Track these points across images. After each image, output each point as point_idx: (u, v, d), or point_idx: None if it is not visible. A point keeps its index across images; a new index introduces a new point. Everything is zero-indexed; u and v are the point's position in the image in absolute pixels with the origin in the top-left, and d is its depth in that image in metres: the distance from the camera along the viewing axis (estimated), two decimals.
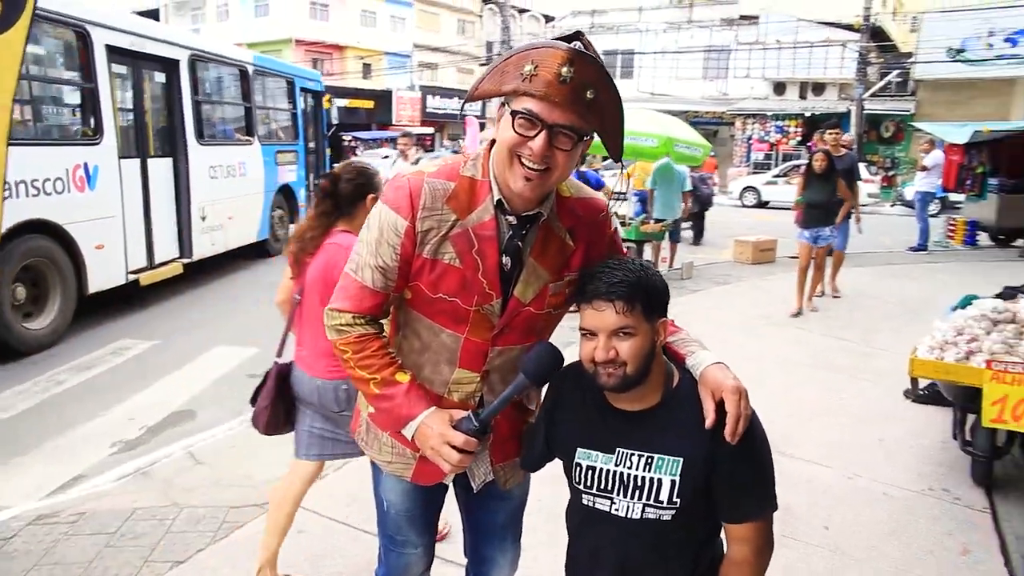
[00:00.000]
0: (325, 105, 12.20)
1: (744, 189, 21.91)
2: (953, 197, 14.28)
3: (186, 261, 8.03)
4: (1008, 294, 4.27)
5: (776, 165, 24.22)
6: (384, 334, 1.61)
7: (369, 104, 31.89)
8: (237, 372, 5.46)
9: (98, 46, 6.43)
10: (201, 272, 8.64)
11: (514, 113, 1.37)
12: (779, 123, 26.18)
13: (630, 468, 1.48)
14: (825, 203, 7.00)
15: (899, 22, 27.42)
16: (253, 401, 2.62)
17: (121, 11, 7.35)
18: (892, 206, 20.10)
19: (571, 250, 1.55)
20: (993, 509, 3.48)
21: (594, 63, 1.34)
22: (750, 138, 26.79)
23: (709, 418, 1.41)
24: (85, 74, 6.42)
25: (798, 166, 21.15)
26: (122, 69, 7.08)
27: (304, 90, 11.22)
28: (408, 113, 35.94)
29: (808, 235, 7.05)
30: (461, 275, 1.49)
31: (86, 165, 6.27)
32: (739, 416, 1.40)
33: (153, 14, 25.09)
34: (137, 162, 7.19)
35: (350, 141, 28.89)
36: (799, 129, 25.69)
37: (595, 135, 1.44)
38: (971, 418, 3.78)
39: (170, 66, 7.71)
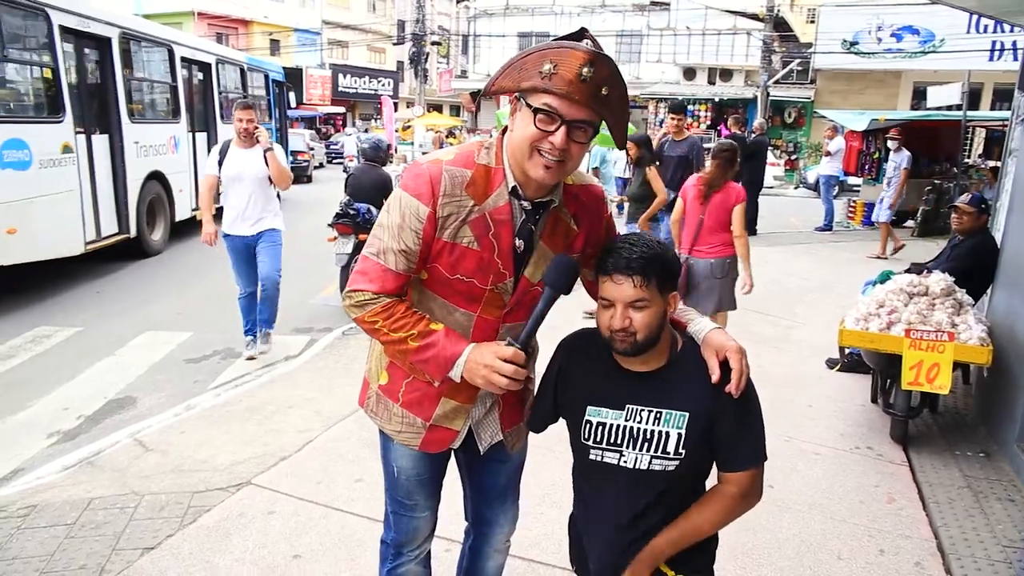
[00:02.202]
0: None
1: None
2: (851, 180, 15.26)
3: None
4: (916, 269, 4.67)
5: None
6: (405, 300, 1.66)
7: None
8: (174, 357, 5.30)
9: (177, 57, 9.88)
10: (113, 256, 8.26)
11: (535, 110, 1.45)
12: (690, 107, 27.07)
13: (640, 423, 1.60)
14: (637, 196, 6.16)
15: (797, 13, 28.80)
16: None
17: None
18: (796, 188, 21.20)
19: (575, 234, 1.66)
20: (910, 462, 3.86)
21: (609, 62, 1.44)
22: (662, 121, 27.55)
23: (715, 375, 1.55)
24: (172, 77, 9.80)
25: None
26: (185, 72, 10.26)
27: (274, 81, 14.35)
28: (319, 92, 34.91)
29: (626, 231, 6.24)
30: (478, 257, 1.57)
31: (174, 136, 9.70)
32: (742, 372, 1.55)
33: None
34: (191, 135, 10.33)
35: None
36: (708, 114, 26.67)
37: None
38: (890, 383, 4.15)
39: (206, 68, 11.06)
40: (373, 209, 6.33)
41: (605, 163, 9.50)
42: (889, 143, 10.34)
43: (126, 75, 8.37)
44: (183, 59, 9.99)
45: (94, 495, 3.14)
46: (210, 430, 3.95)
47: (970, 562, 2.96)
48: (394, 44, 38.58)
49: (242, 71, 12.58)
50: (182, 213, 9.95)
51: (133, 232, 8.42)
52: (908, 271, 4.64)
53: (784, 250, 10.05)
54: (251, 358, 5.21)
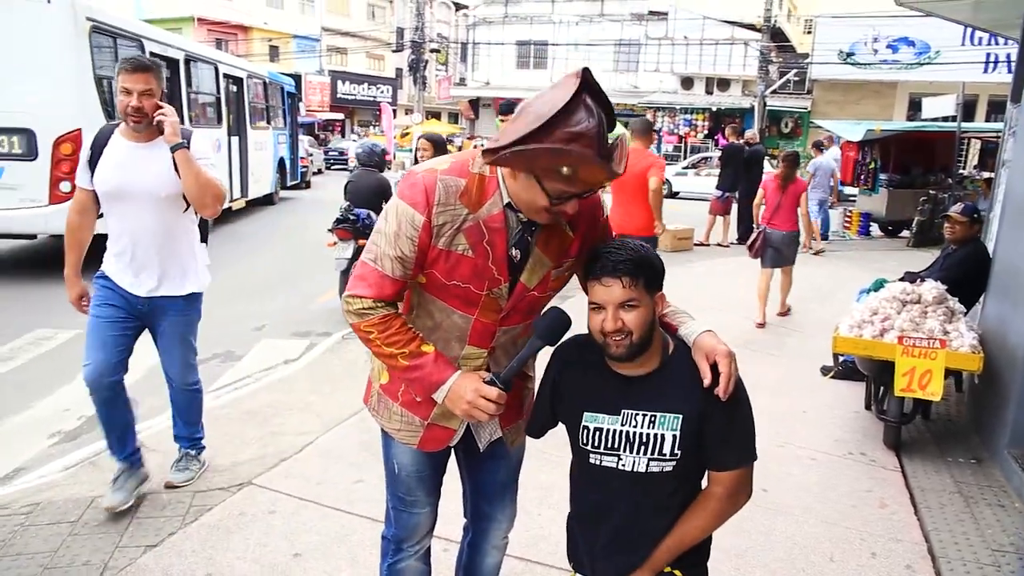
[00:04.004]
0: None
1: None
2: (848, 190, 15.35)
3: (246, 199, 12.91)
4: (910, 277, 4.73)
5: (685, 157, 25.20)
6: (402, 313, 1.71)
7: None
8: None
9: (220, 73, 11.63)
10: None
11: (550, 195, 1.49)
12: (687, 116, 27.24)
13: (635, 427, 1.64)
14: None
15: (794, 24, 29.02)
16: (750, 249, 6.78)
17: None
18: None
19: (571, 240, 1.70)
20: (902, 468, 3.91)
21: (606, 137, 1.44)
22: (660, 131, 27.71)
23: (707, 379, 1.59)
24: (216, 90, 11.54)
25: (706, 158, 22.18)
26: (224, 85, 11.94)
27: (288, 92, 16.15)
28: (318, 98, 35.06)
29: None
30: (473, 264, 1.62)
31: (218, 139, 11.08)
32: (730, 376, 1.58)
33: None
34: (228, 138, 11.85)
35: None
36: (706, 123, 26.84)
37: None
38: (883, 390, 4.21)
39: (239, 82, 12.75)
40: (372, 214, 6.38)
41: None
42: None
43: (188, 89, 10.20)
44: (224, 75, 11.80)
45: (96, 493, 3.16)
46: (210, 431, 3.93)
47: (959, 565, 3.00)
48: (393, 51, 38.70)
49: (264, 84, 14.49)
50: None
51: None
52: (902, 279, 4.71)
53: None
54: (110, 508, 2.98)
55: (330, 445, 3.83)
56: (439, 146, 6.04)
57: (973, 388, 4.65)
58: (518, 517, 2.09)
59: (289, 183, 16.25)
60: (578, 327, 1.70)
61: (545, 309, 1.70)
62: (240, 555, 2.79)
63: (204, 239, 3.34)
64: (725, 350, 1.58)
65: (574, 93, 1.39)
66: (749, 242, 6.89)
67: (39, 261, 8.53)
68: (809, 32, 26.10)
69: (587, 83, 1.42)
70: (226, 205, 11.60)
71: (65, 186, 7.33)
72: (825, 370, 5.28)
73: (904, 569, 2.97)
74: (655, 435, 1.63)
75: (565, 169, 1.40)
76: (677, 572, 1.73)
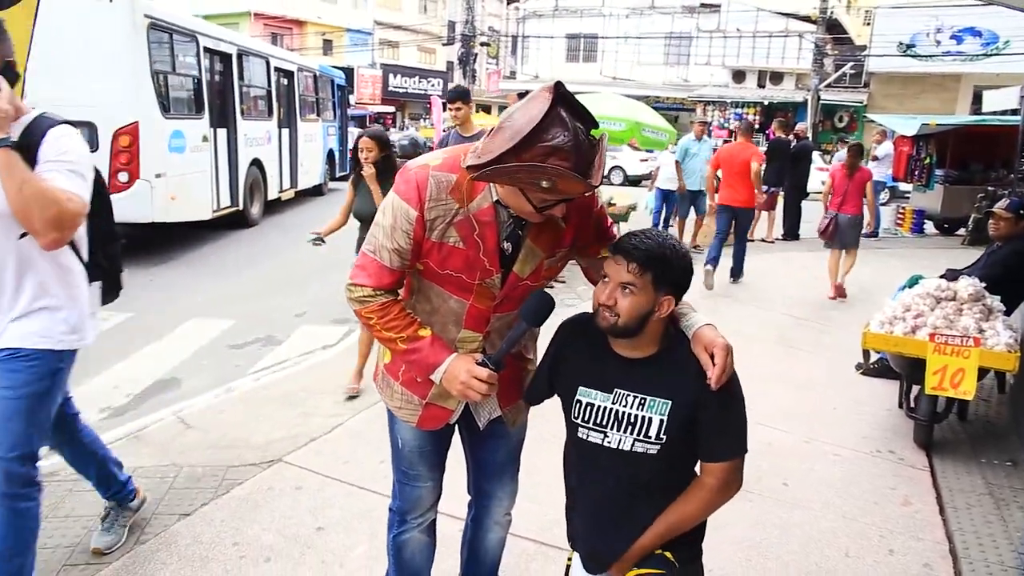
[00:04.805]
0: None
1: None
2: (902, 187, 14.90)
3: (295, 190, 13.26)
4: (950, 275, 4.61)
5: None
6: (401, 299, 1.81)
7: None
8: (216, 344, 5.55)
9: (271, 67, 11.85)
10: (168, 244, 8.67)
11: (534, 203, 1.55)
12: (738, 110, 26.74)
13: (625, 406, 1.69)
14: (366, 215, 4.83)
15: (853, 15, 28.16)
16: (822, 234, 7.48)
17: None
18: None
19: (563, 230, 1.75)
20: (932, 467, 3.83)
21: (584, 143, 1.46)
22: (710, 124, 27.28)
23: (709, 370, 1.61)
24: (268, 84, 11.72)
25: None
26: (275, 78, 12.13)
27: (338, 86, 16.31)
28: (369, 91, 35.55)
29: None
30: (465, 255, 1.69)
31: (268, 131, 11.69)
32: (724, 368, 1.61)
33: None
34: (278, 130, 12.19)
35: None
36: (757, 117, 26.30)
37: None
38: (915, 388, 4.13)
39: (289, 75, 12.92)
40: None
41: (689, 156, 9.37)
42: None
43: (240, 83, 10.55)
44: (275, 68, 12.05)
45: (138, 465, 3.36)
46: (247, 411, 4.16)
47: (982, 566, 2.95)
48: (444, 45, 38.99)
49: (315, 77, 14.70)
50: (272, 194, 12.33)
51: (241, 206, 10.52)
52: (942, 276, 4.60)
53: (826, 255, 9.88)
54: (96, 551, 2.65)
55: (360, 427, 3.97)
56: (384, 144, 5.23)
57: (1013, 389, 4.52)
58: (534, 501, 2.16)
59: (338, 174, 16.47)
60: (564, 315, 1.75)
61: (530, 295, 1.76)
62: (266, 527, 2.93)
63: (97, 276, 2.44)
64: (723, 343, 1.61)
65: (548, 107, 1.43)
66: (821, 228, 7.47)
67: None
68: (868, 23, 25.29)
69: (561, 96, 1.47)
70: (274, 196, 11.65)
71: (123, 176, 7.79)
72: (859, 367, 5.19)
73: (922, 567, 2.94)
74: (643, 417, 1.67)
75: (545, 183, 1.44)
76: (668, 554, 1.78)
